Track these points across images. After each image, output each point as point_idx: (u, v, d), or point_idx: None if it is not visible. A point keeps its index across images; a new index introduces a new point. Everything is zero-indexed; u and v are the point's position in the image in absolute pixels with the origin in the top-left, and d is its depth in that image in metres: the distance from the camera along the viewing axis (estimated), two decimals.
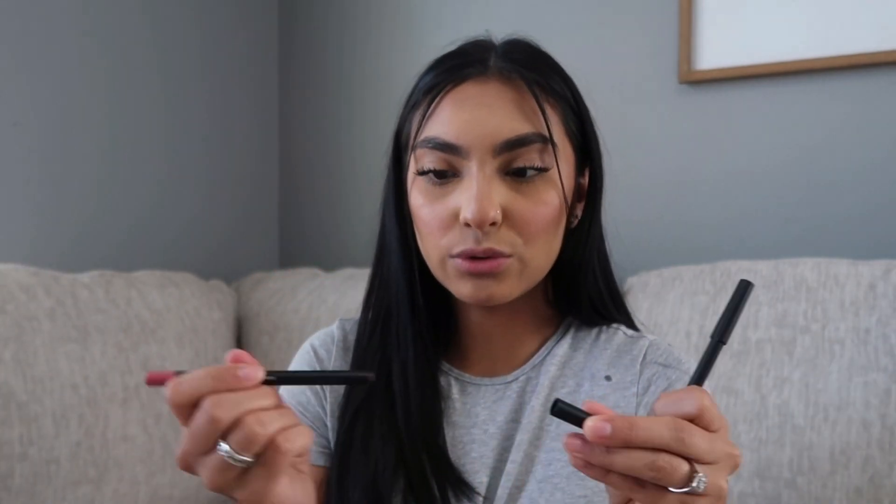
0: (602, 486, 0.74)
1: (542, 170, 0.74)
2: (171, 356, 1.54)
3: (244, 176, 2.04)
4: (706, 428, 0.53)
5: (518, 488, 0.78)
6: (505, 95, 0.74)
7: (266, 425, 0.53)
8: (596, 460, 0.52)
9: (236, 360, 0.55)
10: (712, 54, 1.56)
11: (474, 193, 0.72)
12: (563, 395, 0.80)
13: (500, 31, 0.82)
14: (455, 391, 0.83)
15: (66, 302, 1.41)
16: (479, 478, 0.78)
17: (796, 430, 1.22)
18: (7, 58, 1.54)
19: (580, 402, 0.75)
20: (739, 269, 1.36)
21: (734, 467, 0.55)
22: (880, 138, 1.45)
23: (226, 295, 1.77)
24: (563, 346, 0.83)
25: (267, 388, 0.55)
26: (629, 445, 0.51)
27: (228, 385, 0.53)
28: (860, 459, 1.18)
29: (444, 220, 0.75)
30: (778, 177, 1.53)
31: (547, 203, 0.75)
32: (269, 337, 1.72)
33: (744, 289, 0.58)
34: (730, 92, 1.57)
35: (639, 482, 0.52)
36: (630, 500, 0.55)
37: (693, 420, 0.53)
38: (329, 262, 1.96)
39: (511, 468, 0.78)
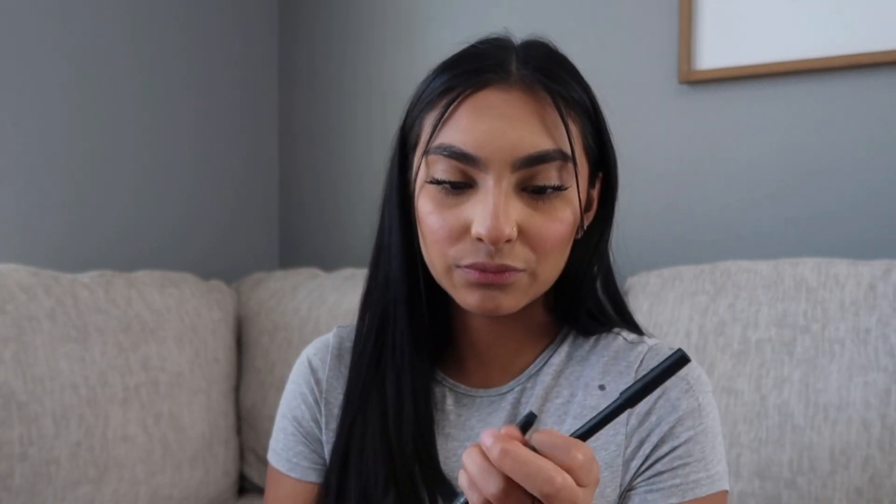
0: (595, 494, 0.75)
1: (561, 188, 0.71)
2: (171, 356, 1.54)
3: (244, 176, 2.04)
4: (577, 481, 0.55)
5: None
6: (528, 107, 0.70)
7: None
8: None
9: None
10: (712, 54, 1.56)
11: (490, 209, 0.68)
12: (557, 405, 0.78)
13: (493, 32, 0.81)
14: (450, 402, 0.81)
15: (66, 302, 1.41)
16: None
17: (796, 430, 1.22)
18: (10, 59, 1.54)
19: (571, 412, 0.77)
20: (739, 269, 1.36)
21: (594, 484, 0.57)
22: (880, 138, 1.45)
23: (226, 295, 1.77)
24: (560, 355, 0.81)
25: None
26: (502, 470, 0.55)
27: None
28: (860, 459, 1.18)
29: (454, 230, 0.72)
30: (778, 177, 1.53)
31: (562, 221, 0.72)
32: (269, 337, 1.72)
33: (675, 360, 0.57)
34: (730, 92, 1.57)
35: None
36: None
37: (567, 471, 0.55)
38: (329, 262, 1.96)
39: None
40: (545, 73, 0.72)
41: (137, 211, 1.79)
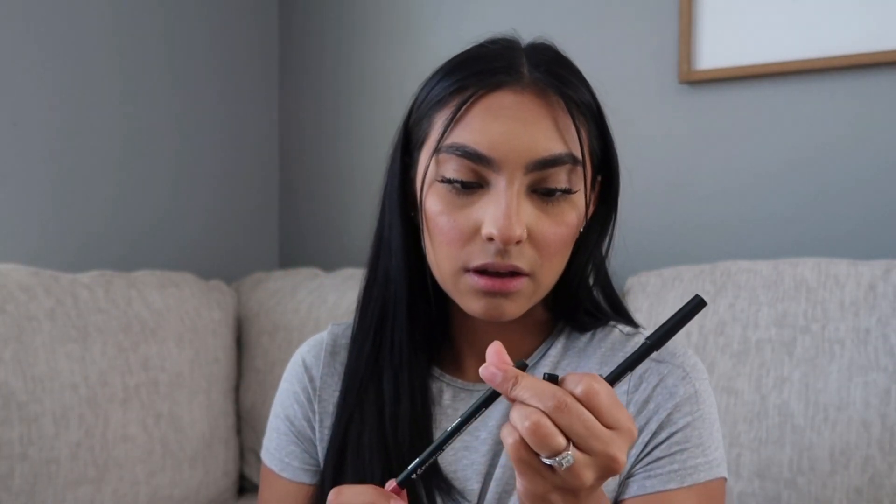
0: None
1: (570, 192, 0.72)
2: (171, 356, 1.54)
3: (244, 176, 2.04)
4: (596, 415, 0.55)
5: (507, 493, 0.77)
6: (541, 110, 0.71)
7: None
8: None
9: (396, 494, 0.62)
10: (712, 54, 1.56)
11: (503, 209, 0.69)
12: None
13: (500, 32, 0.81)
14: (447, 397, 0.82)
15: (66, 302, 1.41)
16: (470, 485, 0.77)
17: (796, 430, 1.22)
18: (8, 58, 1.54)
19: None
20: (739, 269, 1.36)
21: (608, 471, 0.56)
22: (880, 138, 1.45)
23: (226, 295, 1.77)
24: (557, 348, 0.82)
25: None
26: (512, 399, 0.56)
27: None
28: (860, 459, 1.18)
29: (464, 231, 0.72)
30: (778, 177, 1.53)
31: (568, 224, 0.73)
32: (269, 337, 1.72)
33: (695, 304, 0.58)
34: (730, 92, 1.57)
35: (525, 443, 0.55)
36: None
37: (581, 402, 0.54)
38: (329, 262, 1.96)
39: (499, 473, 0.77)
40: (556, 76, 0.73)
41: (137, 211, 1.79)
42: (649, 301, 1.40)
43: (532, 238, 0.72)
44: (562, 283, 0.79)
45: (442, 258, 0.74)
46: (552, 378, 0.57)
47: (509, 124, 0.70)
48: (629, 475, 0.76)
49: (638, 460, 0.76)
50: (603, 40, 1.66)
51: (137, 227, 1.78)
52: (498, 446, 0.78)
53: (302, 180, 2.10)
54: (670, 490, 0.73)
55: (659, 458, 0.75)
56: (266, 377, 1.69)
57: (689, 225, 1.61)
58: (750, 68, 1.52)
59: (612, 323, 0.83)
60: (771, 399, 1.25)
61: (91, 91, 1.69)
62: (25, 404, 1.29)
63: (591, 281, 0.83)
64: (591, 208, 0.80)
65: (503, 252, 0.70)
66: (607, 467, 0.56)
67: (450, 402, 0.81)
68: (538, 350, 0.82)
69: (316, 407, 0.84)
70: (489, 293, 0.72)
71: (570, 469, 0.54)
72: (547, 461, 0.54)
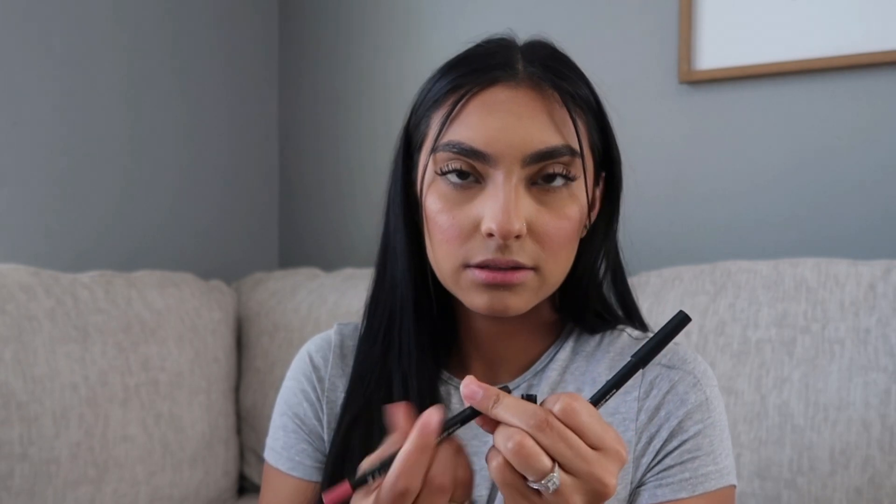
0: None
1: (569, 179, 0.72)
2: (171, 356, 1.54)
3: (244, 176, 2.04)
4: (579, 435, 0.54)
5: None
6: (536, 104, 0.72)
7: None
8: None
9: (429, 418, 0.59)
10: (712, 54, 1.56)
11: (501, 204, 0.69)
12: None
13: (496, 32, 0.81)
14: (455, 401, 0.81)
15: (66, 302, 1.41)
16: (478, 491, 0.77)
17: (796, 430, 1.22)
18: (8, 58, 1.54)
19: None
20: (739, 269, 1.36)
21: (598, 496, 0.55)
22: (880, 138, 1.45)
23: (226, 295, 1.77)
24: (566, 352, 0.81)
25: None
26: (493, 418, 0.56)
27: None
28: (860, 459, 1.18)
29: (463, 228, 0.72)
30: (778, 177, 1.53)
31: (569, 218, 0.73)
32: (269, 337, 1.72)
33: (680, 319, 0.58)
34: (730, 92, 1.57)
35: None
36: None
37: (562, 421, 0.54)
38: (329, 262, 1.96)
39: None
40: (552, 70, 0.73)
41: (137, 211, 1.79)
42: (649, 301, 1.40)
43: (533, 232, 0.71)
44: (570, 282, 0.79)
45: (442, 256, 0.74)
46: (531, 398, 0.56)
47: (504, 119, 0.71)
48: (640, 483, 0.76)
49: (649, 468, 0.76)
50: (603, 40, 1.66)
51: (137, 228, 1.78)
52: None
53: (302, 180, 2.10)
54: (681, 499, 0.73)
55: (670, 467, 0.75)
56: (266, 377, 1.69)
57: (689, 225, 1.61)
58: (750, 68, 1.52)
59: (620, 326, 0.83)
60: (771, 399, 1.25)
61: (91, 91, 1.69)
62: (25, 404, 1.29)
63: (602, 280, 0.82)
64: (597, 206, 0.80)
65: (503, 247, 0.70)
66: (595, 491, 0.55)
67: (459, 405, 0.80)
68: (546, 353, 0.82)
69: (325, 407, 0.84)
70: (492, 286, 0.72)
71: (558, 492, 0.54)
72: (533, 485, 0.54)
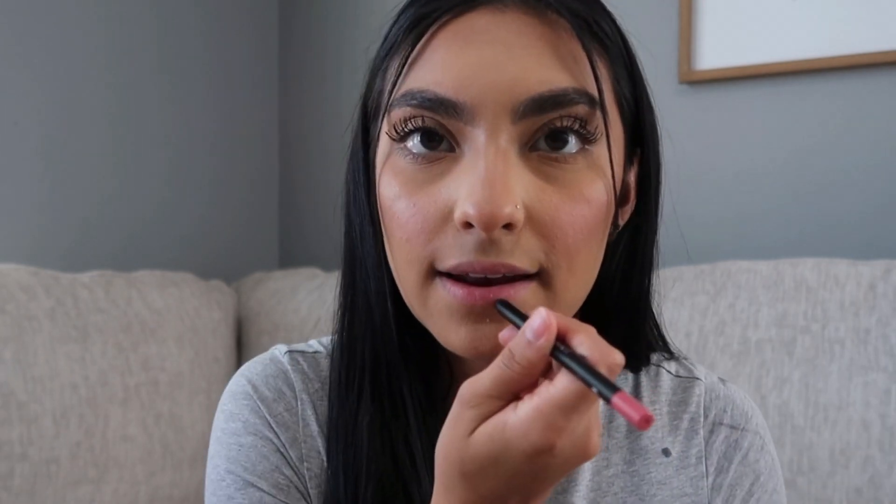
0: None
1: (587, 138, 0.49)
2: (171, 356, 1.54)
3: (244, 176, 2.04)
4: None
5: None
6: (532, 31, 0.49)
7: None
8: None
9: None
10: (712, 54, 1.56)
11: (482, 175, 0.46)
12: (610, 478, 0.58)
13: None
14: None
15: (66, 302, 1.41)
16: None
17: (796, 430, 1.22)
18: (8, 58, 1.54)
19: (639, 491, 0.58)
20: (739, 269, 1.36)
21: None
22: (880, 138, 1.45)
23: (226, 295, 1.77)
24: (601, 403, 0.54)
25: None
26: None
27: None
28: (860, 459, 1.18)
29: (429, 217, 0.49)
30: (778, 177, 1.53)
31: (590, 200, 0.49)
32: (269, 337, 1.71)
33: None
34: (730, 92, 1.56)
35: None
36: None
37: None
38: (329, 262, 1.96)
39: None
40: None
41: (138, 211, 1.78)
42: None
43: (534, 219, 0.48)
44: (600, 305, 0.56)
45: (402, 261, 0.51)
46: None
47: (485, 51, 0.48)
48: None
49: None
50: None
51: (138, 227, 1.78)
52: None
53: (302, 180, 2.10)
54: None
55: None
56: None
57: (688, 225, 1.60)
58: (750, 68, 1.52)
59: (654, 360, 0.62)
60: (771, 399, 1.24)
61: (90, 90, 1.69)
62: (25, 404, 1.29)
63: (650, 304, 0.62)
64: (631, 198, 0.58)
65: (487, 243, 0.47)
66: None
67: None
68: None
69: (309, 483, 0.58)
70: (471, 312, 0.48)
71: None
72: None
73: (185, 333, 1.59)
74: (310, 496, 0.57)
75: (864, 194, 1.46)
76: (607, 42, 0.52)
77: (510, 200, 0.46)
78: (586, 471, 0.57)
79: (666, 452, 0.58)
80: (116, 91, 1.73)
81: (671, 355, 0.63)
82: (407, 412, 0.55)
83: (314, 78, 2.07)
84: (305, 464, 0.57)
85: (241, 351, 1.77)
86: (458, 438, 0.42)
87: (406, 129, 0.49)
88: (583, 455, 0.42)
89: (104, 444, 1.39)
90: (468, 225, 0.47)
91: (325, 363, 0.61)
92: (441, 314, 0.49)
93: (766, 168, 1.54)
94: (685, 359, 0.64)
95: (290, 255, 2.12)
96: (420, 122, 0.49)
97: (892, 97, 1.44)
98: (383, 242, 0.54)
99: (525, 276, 0.48)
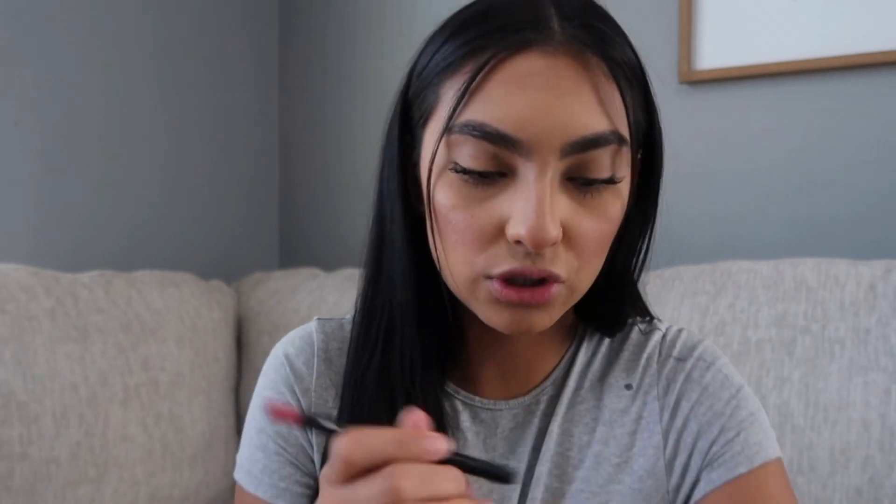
0: None
1: (611, 181, 0.60)
2: (171, 356, 1.54)
3: (244, 176, 2.04)
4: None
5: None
6: (578, 76, 0.57)
7: None
8: None
9: (417, 426, 0.48)
10: (712, 54, 1.56)
11: (533, 205, 0.56)
12: (583, 411, 0.70)
13: None
14: (465, 419, 0.69)
15: (66, 302, 1.41)
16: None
17: (796, 430, 1.22)
18: (8, 58, 1.54)
19: (602, 419, 0.70)
20: (739, 269, 1.36)
21: None
22: (880, 138, 1.45)
23: (226, 295, 1.77)
24: (581, 356, 0.72)
25: (454, 470, 0.47)
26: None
27: (413, 455, 0.46)
28: (860, 459, 1.18)
29: (485, 231, 0.59)
30: (778, 177, 1.53)
31: (610, 220, 0.61)
32: (269, 337, 1.72)
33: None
34: (730, 92, 1.56)
35: None
36: None
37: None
38: (329, 262, 1.96)
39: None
40: (594, 30, 0.60)
41: (137, 211, 1.79)
42: (649, 301, 1.40)
43: (568, 237, 0.59)
44: (597, 285, 0.67)
45: (457, 263, 0.61)
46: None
47: (540, 95, 0.57)
48: (696, 481, 0.67)
49: (688, 467, 0.68)
50: None
51: (138, 227, 1.78)
52: (527, 475, 0.68)
53: (302, 180, 2.10)
54: (741, 475, 0.65)
55: (719, 450, 0.67)
56: None
57: (689, 225, 1.61)
58: (750, 68, 1.52)
59: (629, 320, 0.74)
60: (771, 399, 1.25)
61: (90, 91, 1.69)
62: (25, 404, 1.29)
63: (637, 281, 0.73)
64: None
65: (534, 257, 0.58)
66: None
67: (469, 423, 0.69)
68: (564, 360, 0.72)
69: (313, 430, 0.71)
70: (516, 305, 0.60)
71: None
72: None
73: (185, 333, 1.59)
74: (311, 435, 0.70)
75: (864, 194, 1.46)
76: (631, 76, 0.62)
77: (556, 226, 0.57)
78: (563, 405, 0.70)
79: (628, 387, 0.70)
80: (116, 91, 1.73)
81: (650, 319, 0.76)
82: (413, 370, 0.66)
83: (314, 78, 2.07)
84: (311, 407, 0.70)
85: (241, 351, 1.77)
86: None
87: (466, 168, 0.59)
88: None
89: (104, 444, 1.39)
90: (519, 242, 0.58)
91: (348, 328, 0.73)
92: (490, 303, 0.61)
93: (766, 168, 1.54)
94: (660, 321, 0.76)
95: (290, 255, 2.12)
96: (478, 166, 0.58)
97: (892, 97, 1.44)
98: (412, 227, 0.65)
99: (557, 280, 0.60)
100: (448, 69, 0.60)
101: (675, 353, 0.72)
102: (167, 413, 1.50)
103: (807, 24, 1.48)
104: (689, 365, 0.70)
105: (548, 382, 0.71)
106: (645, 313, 0.76)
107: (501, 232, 0.59)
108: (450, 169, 0.60)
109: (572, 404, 0.70)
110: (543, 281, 0.59)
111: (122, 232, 1.75)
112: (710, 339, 1.32)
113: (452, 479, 0.47)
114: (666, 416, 0.69)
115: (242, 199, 2.03)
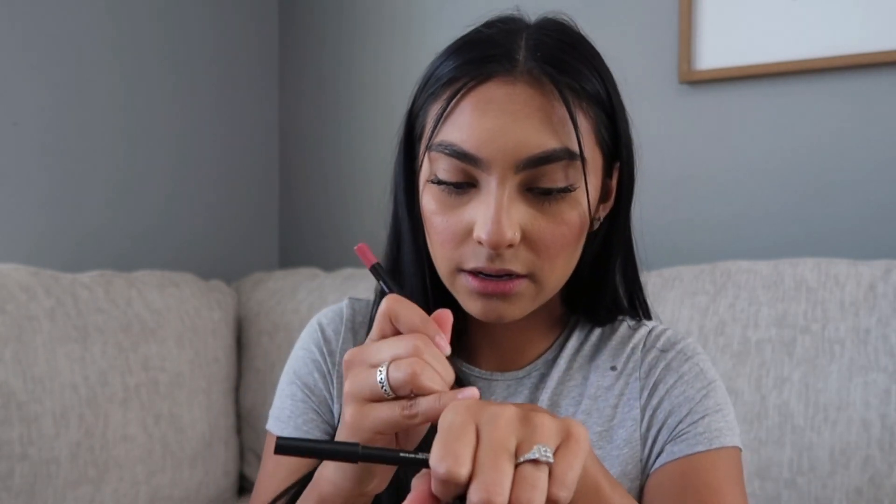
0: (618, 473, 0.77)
1: (567, 190, 0.69)
2: (171, 356, 1.54)
3: (244, 176, 2.04)
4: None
5: None
6: (533, 102, 0.67)
7: (431, 380, 0.55)
8: None
9: (442, 319, 0.60)
10: (712, 54, 1.56)
11: (491, 213, 0.66)
12: (571, 387, 0.80)
13: (505, 10, 0.79)
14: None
15: (66, 302, 1.41)
16: None
17: (796, 430, 1.22)
18: (9, 58, 1.54)
19: (587, 393, 0.80)
20: (739, 269, 1.36)
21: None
22: (880, 138, 1.45)
23: (226, 295, 1.77)
24: (573, 342, 0.82)
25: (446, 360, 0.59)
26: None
27: (430, 335, 0.58)
28: (860, 459, 1.18)
29: (457, 233, 0.70)
30: (778, 177, 1.53)
31: (568, 223, 0.69)
32: (269, 337, 1.72)
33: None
34: (730, 92, 1.57)
35: None
36: None
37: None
38: (329, 262, 1.96)
39: None
40: (555, 62, 0.69)
41: (137, 211, 1.79)
42: (649, 301, 1.40)
43: (528, 240, 0.69)
44: (578, 277, 0.77)
45: (439, 258, 0.73)
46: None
47: (498, 119, 0.67)
48: (660, 452, 0.77)
49: (656, 440, 0.77)
50: (603, 40, 1.65)
51: (138, 227, 1.78)
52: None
53: (302, 180, 2.10)
54: (698, 453, 0.74)
55: (684, 429, 0.76)
56: (266, 377, 1.69)
57: (689, 225, 1.61)
58: (750, 68, 1.52)
59: (620, 318, 0.83)
60: (771, 399, 1.25)
61: (90, 91, 1.69)
62: (25, 404, 1.29)
63: (615, 273, 0.81)
64: (611, 197, 0.77)
65: (494, 256, 0.68)
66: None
67: None
68: (555, 344, 0.82)
69: (335, 380, 0.82)
70: (485, 295, 0.70)
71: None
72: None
73: (185, 333, 1.59)
74: (333, 391, 0.81)
75: (864, 194, 1.46)
76: (589, 100, 0.70)
77: (511, 229, 0.67)
78: (552, 381, 0.80)
79: (613, 368, 0.80)
80: (116, 92, 1.73)
81: (647, 318, 0.85)
82: None
83: (314, 78, 2.07)
84: (336, 367, 0.82)
85: (240, 351, 1.77)
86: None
87: (441, 180, 0.70)
88: None
89: (104, 444, 1.39)
90: (482, 243, 0.68)
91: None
92: (464, 293, 0.72)
93: (765, 168, 1.54)
94: (650, 322, 0.85)
95: (290, 255, 2.12)
96: (450, 177, 0.69)
97: (893, 97, 1.44)
98: (416, 224, 0.76)
99: (519, 276, 0.70)
100: (433, 95, 0.71)
101: (659, 344, 0.81)
102: (167, 413, 1.50)
103: (807, 24, 1.48)
104: (669, 356, 0.80)
105: (539, 361, 0.81)
106: (638, 311, 0.85)
107: (470, 233, 0.69)
108: (431, 181, 0.71)
109: (561, 381, 0.80)
110: (507, 276, 0.69)
111: (122, 232, 1.75)
112: (710, 339, 1.32)
113: (451, 369, 0.58)
114: (644, 394, 0.78)
115: (242, 199, 2.03)
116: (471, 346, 0.82)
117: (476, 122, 0.67)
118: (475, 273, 0.70)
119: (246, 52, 2.03)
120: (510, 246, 0.68)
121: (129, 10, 1.75)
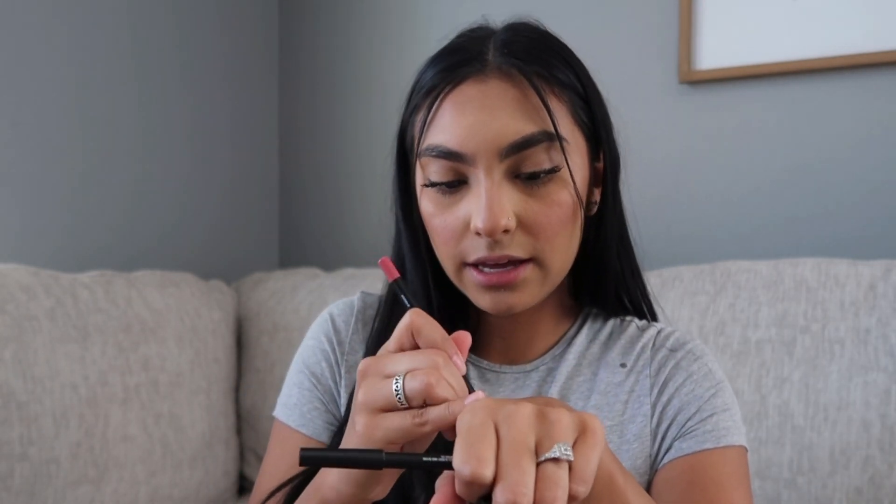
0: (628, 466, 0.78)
1: (553, 171, 0.71)
2: (171, 356, 1.54)
3: (244, 176, 2.04)
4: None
5: None
6: (506, 94, 0.71)
7: (445, 391, 0.56)
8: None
9: (461, 341, 0.60)
10: (712, 54, 1.56)
11: (484, 202, 0.70)
12: (580, 382, 0.82)
13: (473, 21, 0.82)
14: (472, 377, 0.82)
15: (66, 302, 1.41)
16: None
17: (796, 430, 1.22)
18: (9, 58, 1.54)
19: (597, 388, 0.81)
20: (739, 269, 1.36)
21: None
22: (881, 138, 1.45)
23: (226, 295, 1.77)
24: (582, 337, 0.84)
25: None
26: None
27: (449, 353, 0.59)
28: (860, 459, 1.18)
29: (456, 229, 0.73)
30: (778, 177, 1.53)
31: (560, 203, 0.72)
32: (268, 337, 1.72)
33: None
34: (730, 92, 1.57)
35: None
36: None
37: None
38: (329, 262, 1.96)
39: None
40: (522, 55, 0.72)
41: (137, 211, 1.79)
42: (651, 299, 1.40)
43: (523, 223, 0.71)
44: (579, 261, 0.79)
45: (443, 257, 0.76)
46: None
47: (476, 115, 0.70)
48: (668, 449, 0.78)
49: (665, 436, 0.78)
50: (603, 40, 1.66)
51: (137, 228, 1.78)
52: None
53: (302, 180, 2.10)
54: (706, 450, 0.76)
55: (692, 426, 0.77)
56: (266, 377, 1.69)
57: (689, 225, 1.61)
58: (750, 68, 1.52)
59: (627, 318, 0.86)
60: (771, 399, 1.25)
61: (91, 92, 1.69)
62: (25, 404, 1.29)
63: (617, 258, 0.82)
64: (600, 180, 0.79)
65: (494, 243, 0.71)
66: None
67: (475, 381, 0.82)
68: (564, 338, 0.84)
69: (342, 371, 0.84)
70: (492, 287, 0.72)
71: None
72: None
73: (185, 333, 1.59)
74: (340, 382, 0.83)
75: (864, 194, 1.46)
76: (561, 86, 0.73)
77: (504, 215, 0.70)
78: (561, 376, 0.81)
79: (623, 365, 0.82)
80: (116, 92, 1.73)
81: (651, 317, 0.87)
82: None
83: (314, 78, 2.07)
84: (345, 357, 0.84)
85: (240, 351, 1.77)
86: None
87: (434, 182, 0.73)
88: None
89: (104, 444, 1.39)
90: (479, 233, 0.70)
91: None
92: (472, 288, 0.74)
93: (765, 167, 1.54)
94: (662, 322, 0.87)
95: (290, 255, 2.12)
96: (441, 178, 0.73)
97: (893, 97, 1.44)
98: (417, 237, 0.79)
99: (523, 261, 0.72)
100: (416, 107, 0.76)
101: (669, 344, 0.83)
102: (167, 413, 1.50)
103: (807, 24, 1.48)
104: (679, 355, 0.81)
105: (547, 356, 0.83)
106: (643, 306, 0.87)
107: (468, 228, 0.72)
108: (425, 185, 0.74)
109: (570, 376, 0.82)
110: (511, 264, 0.72)
111: (122, 232, 1.75)
112: (710, 339, 1.32)
113: (465, 387, 0.59)
114: (655, 391, 0.80)
115: (243, 199, 2.03)
116: (480, 339, 0.83)
117: (456, 121, 0.71)
118: (479, 267, 0.72)
119: (246, 52, 2.03)
120: (507, 231, 0.70)
121: (126, 11, 1.75)
